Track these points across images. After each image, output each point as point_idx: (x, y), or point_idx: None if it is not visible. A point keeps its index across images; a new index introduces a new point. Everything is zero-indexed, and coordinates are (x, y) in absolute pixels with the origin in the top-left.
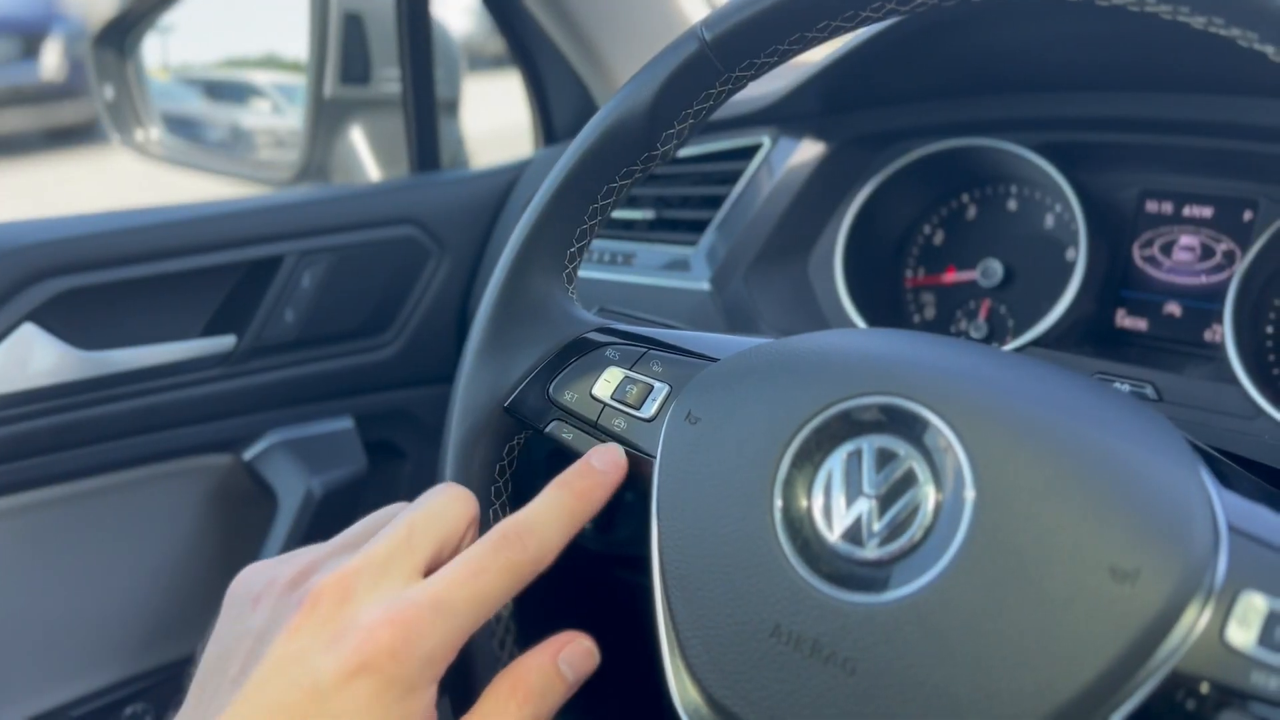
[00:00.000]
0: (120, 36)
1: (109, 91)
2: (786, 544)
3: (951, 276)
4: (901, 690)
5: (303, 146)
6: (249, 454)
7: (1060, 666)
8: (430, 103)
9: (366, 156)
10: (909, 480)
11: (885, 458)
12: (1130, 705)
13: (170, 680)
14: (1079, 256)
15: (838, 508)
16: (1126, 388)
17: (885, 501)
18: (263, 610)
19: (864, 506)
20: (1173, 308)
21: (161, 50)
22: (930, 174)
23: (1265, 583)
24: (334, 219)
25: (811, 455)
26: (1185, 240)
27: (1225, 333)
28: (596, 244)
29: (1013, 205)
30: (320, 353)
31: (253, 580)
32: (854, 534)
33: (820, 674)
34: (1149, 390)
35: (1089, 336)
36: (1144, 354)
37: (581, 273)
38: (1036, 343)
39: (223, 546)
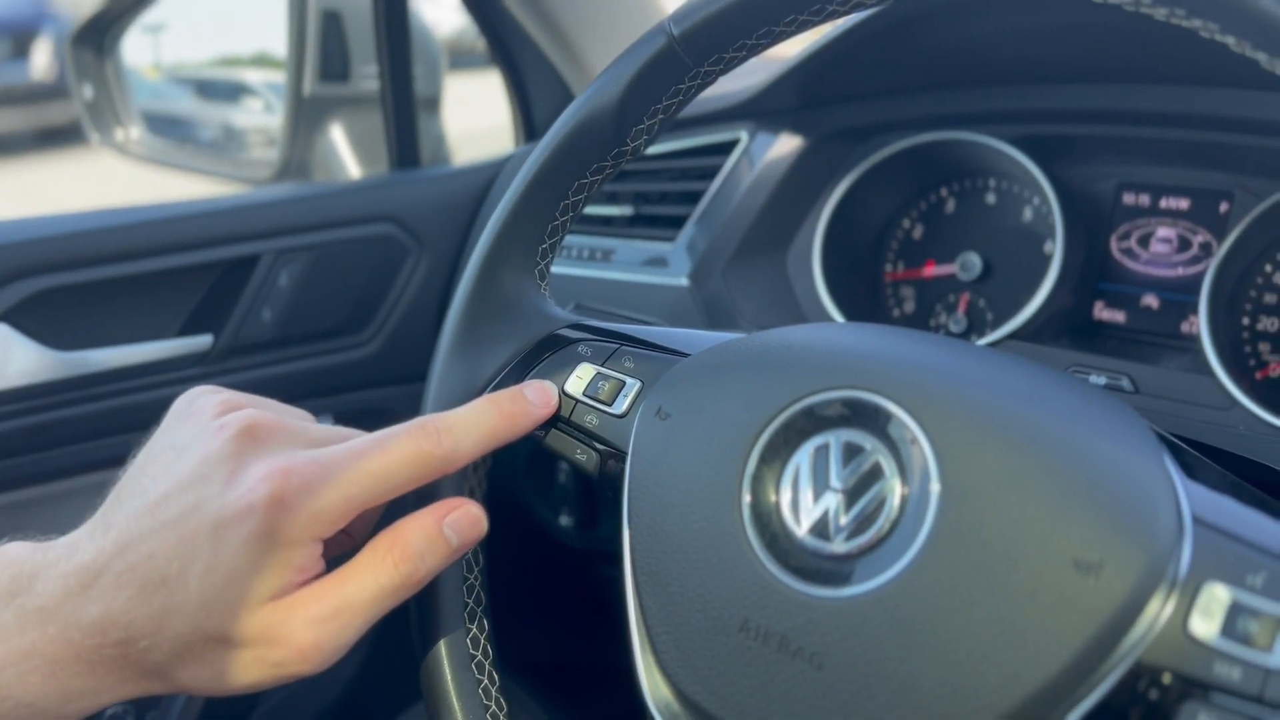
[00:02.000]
0: (99, 35)
1: (88, 91)
2: (755, 539)
3: (930, 270)
4: (868, 684)
5: (282, 145)
6: None
7: (1024, 659)
8: (409, 99)
9: (347, 154)
10: (875, 474)
11: (852, 452)
12: (1094, 697)
13: None
14: (1056, 249)
15: (805, 502)
16: (1103, 380)
17: (852, 495)
18: (188, 430)
19: (831, 501)
20: (1150, 300)
21: (153, 49)
22: (908, 168)
23: (1228, 574)
24: (311, 217)
25: (780, 450)
26: (1162, 232)
27: (1200, 324)
28: (575, 240)
29: (991, 199)
30: (298, 351)
31: (194, 398)
32: (821, 528)
33: (788, 668)
34: (1125, 382)
35: (1067, 329)
36: (1121, 346)
37: (560, 269)
38: (1014, 335)
39: None
